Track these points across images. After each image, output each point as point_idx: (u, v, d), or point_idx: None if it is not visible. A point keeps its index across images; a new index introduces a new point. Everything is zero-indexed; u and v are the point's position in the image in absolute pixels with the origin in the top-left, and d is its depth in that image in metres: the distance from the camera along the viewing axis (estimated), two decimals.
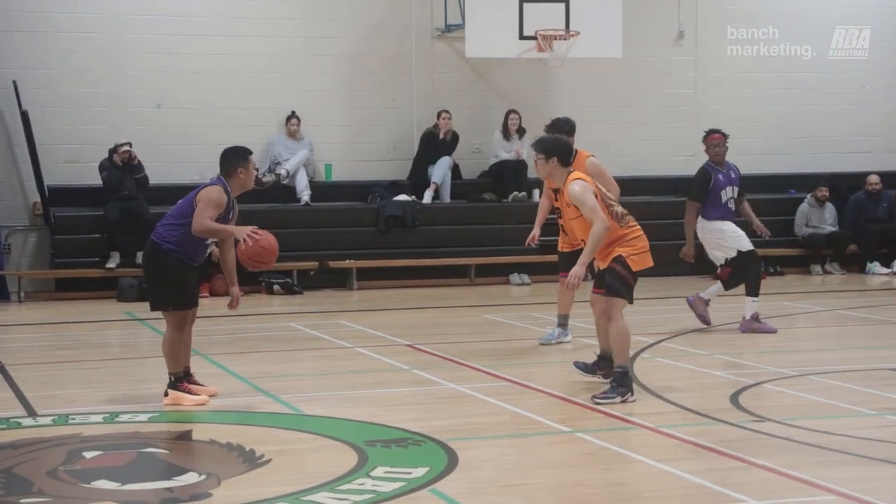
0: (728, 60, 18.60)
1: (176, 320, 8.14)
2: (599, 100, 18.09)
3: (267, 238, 8.13)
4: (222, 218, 8.12)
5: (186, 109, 16.74)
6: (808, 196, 17.73)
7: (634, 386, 8.21)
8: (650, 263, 8.10)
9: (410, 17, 17.56)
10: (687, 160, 17.74)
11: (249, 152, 8.41)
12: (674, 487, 6.07)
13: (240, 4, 17.06)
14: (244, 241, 7.99)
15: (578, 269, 7.94)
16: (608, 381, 8.28)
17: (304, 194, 16.55)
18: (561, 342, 10.67)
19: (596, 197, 7.97)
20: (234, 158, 8.24)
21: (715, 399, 8.15)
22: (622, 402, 7.85)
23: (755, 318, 11.26)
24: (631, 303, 8.10)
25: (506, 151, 17.24)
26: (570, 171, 8.16)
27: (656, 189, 17.85)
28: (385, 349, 10.61)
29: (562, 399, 8.16)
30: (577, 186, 8.00)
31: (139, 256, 8.18)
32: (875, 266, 17.28)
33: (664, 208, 16.67)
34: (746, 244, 11.34)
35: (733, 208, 11.43)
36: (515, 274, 16.57)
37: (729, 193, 11.41)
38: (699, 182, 11.47)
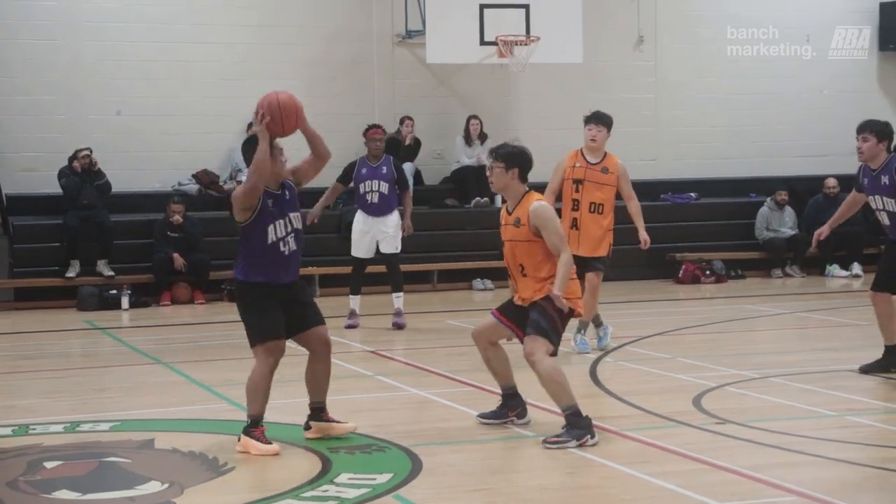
0: (688, 65, 18.71)
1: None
2: (560, 105, 18.12)
3: (267, 98, 7.35)
4: (265, 208, 7.05)
5: (147, 116, 16.66)
6: (768, 199, 17.86)
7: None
8: (577, 310, 7.25)
9: (371, 24, 17.56)
10: (648, 165, 17.87)
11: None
12: (637, 490, 6.10)
13: (200, 11, 16.99)
14: (261, 121, 7.24)
15: (557, 299, 7.00)
16: (519, 419, 7.55)
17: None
18: (586, 351, 10.36)
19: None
20: (251, 148, 7.31)
21: (677, 402, 8.20)
22: (579, 445, 6.88)
23: None
24: (555, 354, 7.13)
25: (467, 157, 17.26)
26: (528, 191, 7.32)
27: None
28: (349, 356, 10.58)
29: (526, 404, 8.16)
30: (543, 209, 7.16)
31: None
32: (834, 268, 17.41)
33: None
34: None
35: None
36: (478, 279, 16.58)
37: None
38: None
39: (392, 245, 12.36)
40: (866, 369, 9.15)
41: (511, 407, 7.59)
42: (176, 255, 15.30)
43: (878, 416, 7.73)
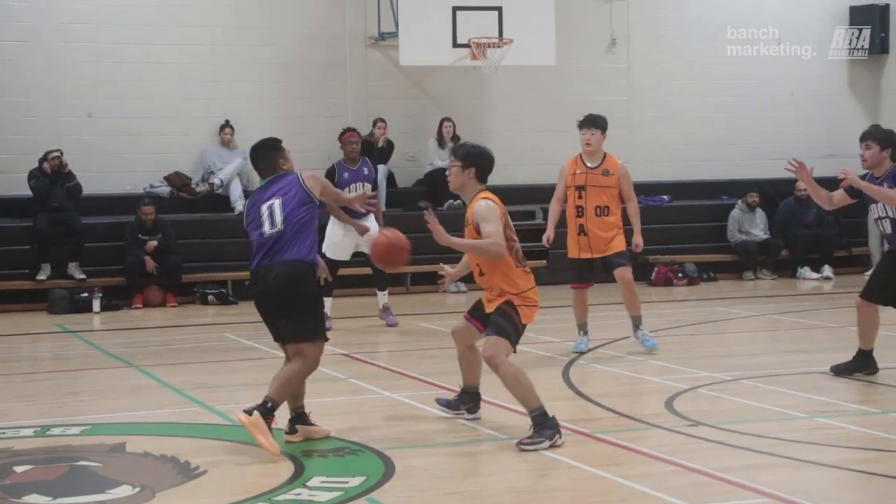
0: (660, 68, 18.78)
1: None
2: (533, 107, 18.18)
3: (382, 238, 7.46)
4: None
5: (118, 118, 16.58)
6: (739, 202, 17.94)
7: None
8: (531, 320, 7.25)
9: (344, 26, 17.53)
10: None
11: (279, 141, 7.44)
12: (610, 492, 6.11)
13: (172, 13, 16.92)
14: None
15: (441, 237, 7.05)
16: (469, 414, 7.70)
17: (239, 204, 16.44)
18: (588, 349, 10.56)
19: (505, 229, 7.14)
20: (272, 152, 7.29)
21: (650, 404, 8.22)
22: (551, 445, 6.92)
23: None
24: (514, 351, 7.21)
25: (441, 159, 17.25)
26: (482, 189, 7.28)
27: None
28: (322, 358, 10.53)
29: (499, 407, 8.17)
30: (485, 206, 7.13)
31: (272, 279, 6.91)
32: (805, 271, 17.51)
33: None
34: None
35: None
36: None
37: None
38: None
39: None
40: (837, 370, 9.20)
41: (465, 402, 7.78)
42: (147, 258, 15.24)
43: (849, 417, 7.77)
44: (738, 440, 7.08)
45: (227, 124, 16.78)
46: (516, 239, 7.25)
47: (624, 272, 10.34)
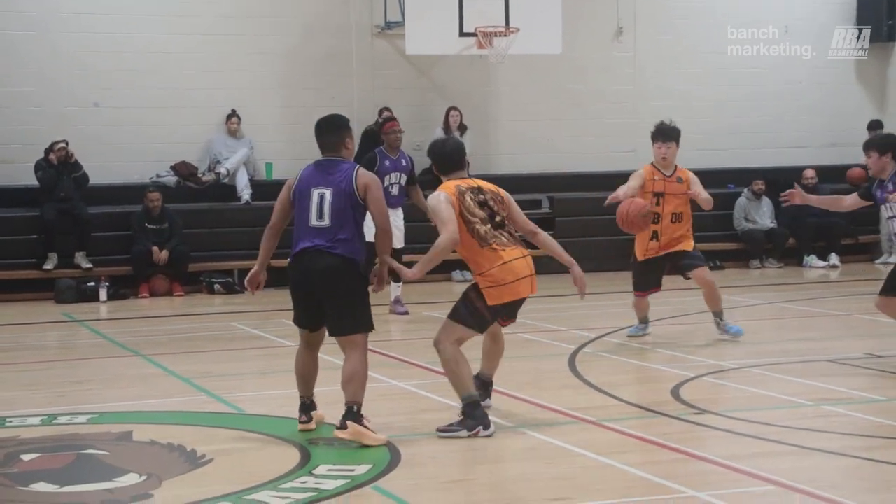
0: (667, 57, 18.75)
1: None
2: (540, 96, 18.15)
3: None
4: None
5: (125, 108, 16.59)
6: (746, 190, 17.93)
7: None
8: (516, 297, 7.19)
9: (349, 15, 17.52)
10: (627, 156, 17.86)
11: (348, 120, 7.36)
12: (615, 480, 6.11)
13: (178, 2, 16.93)
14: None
15: (410, 274, 7.10)
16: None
17: (245, 193, 16.46)
18: (645, 334, 10.68)
19: (462, 212, 7.10)
20: (342, 130, 7.18)
21: (656, 392, 8.22)
22: (471, 436, 6.93)
23: None
24: (481, 332, 7.28)
25: None
26: (443, 182, 7.31)
27: (597, 185, 17.90)
28: (327, 347, 10.51)
29: (505, 394, 8.17)
30: (432, 200, 7.17)
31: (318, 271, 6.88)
32: (812, 259, 17.49)
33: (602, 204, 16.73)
34: None
35: None
36: (457, 271, 16.58)
37: None
38: None
39: (400, 240, 12.72)
40: None
41: (476, 386, 7.68)
42: (155, 249, 15.27)
43: (855, 405, 7.77)
44: (743, 428, 7.08)
45: (233, 113, 16.78)
46: (479, 219, 7.16)
47: (700, 273, 10.38)
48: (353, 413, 6.81)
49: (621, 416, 7.50)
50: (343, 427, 6.77)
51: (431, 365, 9.50)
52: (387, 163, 12.56)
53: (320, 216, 6.96)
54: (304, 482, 6.06)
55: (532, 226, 7.52)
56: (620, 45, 18.62)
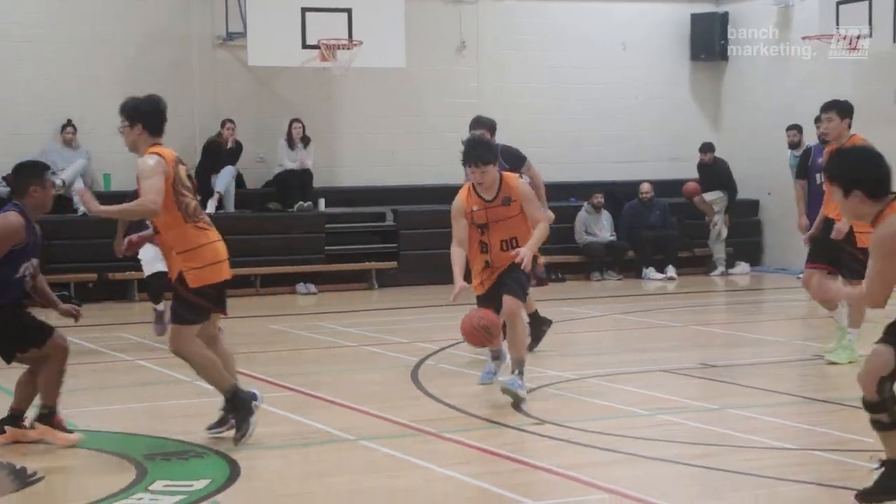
0: (510, 71, 18.97)
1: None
2: (384, 109, 18.18)
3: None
4: (21, 249, 7.23)
5: None
6: (585, 203, 18.27)
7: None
8: (219, 278, 7.01)
9: (191, 26, 17.28)
10: None
11: (46, 167, 7.47)
12: (457, 492, 6.15)
13: (13, 9, 16.46)
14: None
15: (95, 207, 6.85)
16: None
17: (82, 206, 16.08)
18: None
19: (175, 182, 6.91)
20: (27, 175, 7.25)
21: (497, 404, 8.28)
22: (251, 433, 7.03)
23: None
24: (208, 318, 7.06)
25: (290, 160, 17.14)
26: (154, 143, 7.06)
27: (440, 197, 18.01)
28: (167, 361, 10.34)
29: (346, 408, 8.15)
30: (143, 162, 6.93)
31: None
32: (650, 272, 17.90)
33: (448, 217, 16.83)
34: None
35: None
36: (301, 283, 16.49)
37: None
38: None
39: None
40: None
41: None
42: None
43: (688, 413, 7.96)
44: (582, 437, 7.19)
45: (69, 123, 16.38)
46: (190, 195, 7.04)
47: (508, 300, 8.57)
48: (43, 414, 7.14)
49: (462, 428, 7.54)
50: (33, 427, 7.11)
51: (274, 378, 9.42)
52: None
53: None
54: (140, 499, 5.94)
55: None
56: (463, 59, 18.79)
